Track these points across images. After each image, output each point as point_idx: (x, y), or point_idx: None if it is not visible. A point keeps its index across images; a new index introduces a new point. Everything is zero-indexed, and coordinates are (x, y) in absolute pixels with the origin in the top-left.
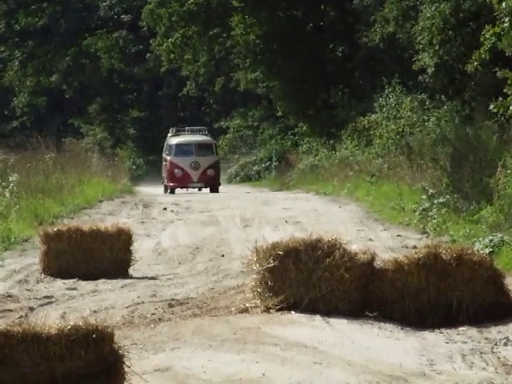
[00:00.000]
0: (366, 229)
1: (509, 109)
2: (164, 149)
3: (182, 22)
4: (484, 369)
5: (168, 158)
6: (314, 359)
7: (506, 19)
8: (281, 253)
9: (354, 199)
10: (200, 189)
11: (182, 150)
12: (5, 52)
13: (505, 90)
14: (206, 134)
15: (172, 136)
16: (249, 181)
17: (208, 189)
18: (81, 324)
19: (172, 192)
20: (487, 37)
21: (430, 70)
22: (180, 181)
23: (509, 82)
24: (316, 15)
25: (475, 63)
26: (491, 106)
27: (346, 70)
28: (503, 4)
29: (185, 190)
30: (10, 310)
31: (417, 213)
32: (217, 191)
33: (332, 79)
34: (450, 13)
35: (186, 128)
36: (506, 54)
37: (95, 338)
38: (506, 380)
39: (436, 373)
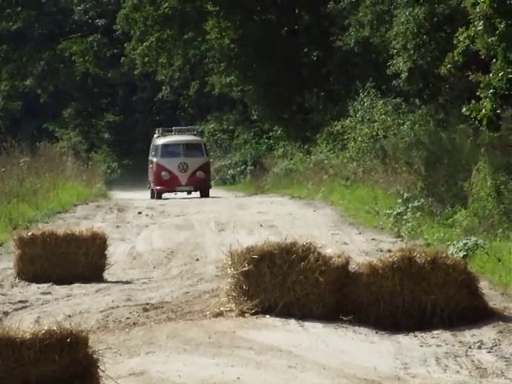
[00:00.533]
0: (341, 233)
1: (483, 112)
2: (150, 150)
3: (156, 25)
4: (458, 372)
5: (154, 159)
6: (289, 363)
7: (480, 22)
8: (255, 257)
9: (329, 203)
10: (189, 192)
11: (168, 150)
12: None
13: (478, 93)
14: (195, 134)
15: (158, 137)
16: (224, 185)
17: (198, 193)
18: (55, 328)
19: (159, 197)
20: (461, 39)
21: (404, 75)
22: (167, 184)
23: (481, 85)
24: (290, 19)
25: (448, 66)
26: (464, 109)
27: (320, 74)
28: (477, 8)
29: (173, 194)
30: None
31: (391, 217)
32: (207, 195)
33: (307, 83)
34: (424, 17)
35: (174, 128)
36: (480, 57)
37: (69, 342)
38: (479, 383)
39: (410, 376)
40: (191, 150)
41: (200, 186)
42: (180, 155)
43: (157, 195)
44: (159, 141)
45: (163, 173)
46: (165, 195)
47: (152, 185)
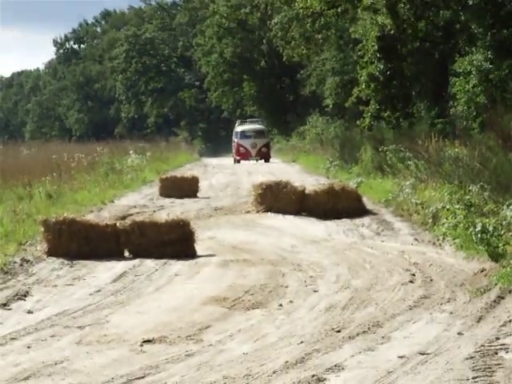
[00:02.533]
0: (302, 176)
1: (365, 124)
2: (233, 134)
3: (221, 84)
4: (352, 237)
5: (235, 140)
6: (278, 233)
7: (363, 84)
8: (264, 186)
9: (297, 163)
10: (257, 160)
11: (244, 134)
12: None
13: (363, 115)
14: (261, 123)
15: (238, 125)
16: None
17: (263, 160)
18: (175, 218)
19: (238, 162)
20: (355, 91)
21: (330, 106)
22: (243, 155)
23: (365, 111)
24: (280, 81)
25: (350, 102)
26: (358, 122)
27: (294, 105)
28: (364, 72)
29: (247, 161)
30: (145, 211)
31: (324, 169)
32: (268, 161)
33: (288, 109)
34: (338, 83)
35: (248, 120)
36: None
37: (182, 224)
38: (362, 241)
39: (332, 238)
40: (258, 134)
41: (264, 156)
42: (251, 137)
43: (237, 162)
44: (238, 128)
45: (241, 148)
46: (242, 162)
47: (234, 155)
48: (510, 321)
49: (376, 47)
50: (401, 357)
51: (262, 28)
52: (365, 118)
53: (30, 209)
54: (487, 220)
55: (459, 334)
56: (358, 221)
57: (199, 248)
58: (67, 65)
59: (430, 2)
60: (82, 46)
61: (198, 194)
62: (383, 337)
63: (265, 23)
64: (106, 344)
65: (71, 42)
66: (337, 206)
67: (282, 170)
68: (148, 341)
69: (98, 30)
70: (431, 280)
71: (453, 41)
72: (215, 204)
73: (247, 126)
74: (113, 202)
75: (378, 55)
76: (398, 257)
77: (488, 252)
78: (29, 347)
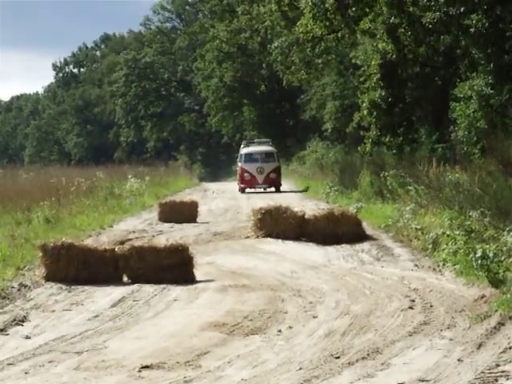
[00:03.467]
0: (302, 201)
1: (366, 150)
2: (238, 157)
3: (220, 110)
4: (352, 263)
5: (239, 164)
6: (277, 258)
7: (365, 111)
8: (263, 211)
9: (297, 188)
10: (265, 189)
11: (250, 157)
12: None
13: (364, 141)
14: (270, 145)
15: (244, 147)
16: None
17: (273, 188)
18: (174, 243)
19: (243, 191)
20: (355, 117)
21: (329, 130)
22: (248, 182)
23: (365, 137)
24: (280, 105)
25: (351, 127)
26: (358, 148)
27: (294, 130)
28: (365, 97)
29: (253, 189)
30: (144, 236)
31: (324, 194)
32: (279, 190)
33: (288, 134)
34: (338, 107)
35: (255, 140)
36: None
37: (181, 248)
38: (361, 266)
39: (331, 264)
40: (266, 157)
41: (273, 183)
42: (258, 161)
43: (242, 190)
44: (244, 150)
45: (246, 174)
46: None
47: (238, 183)
48: (510, 347)
49: (379, 75)
50: (400, 383)
51: (262, 52)
52: (365, 143)
53: (29, 233)
54: (487, 246)
55: (459, 360)
56: (357, 246)
57: (198, 273)
58: (66, 89)
59: (431, 28)
60: (81, 69)
61: (198, 219)
62: (383, 363)
63: (265, 48)
64: (103, 370)
65: (70, 66)
66: (336, 231)
67: (281, 194)
68: (146, 367)
69: (98, 53)
70: (431, 306)
71: (453, 66)
72: (214, 229)
73: (254, 148)
74: (112, 226)
75: (381, 83)
76: (397, 282)
77: (488, 278)
78: (26, 373)
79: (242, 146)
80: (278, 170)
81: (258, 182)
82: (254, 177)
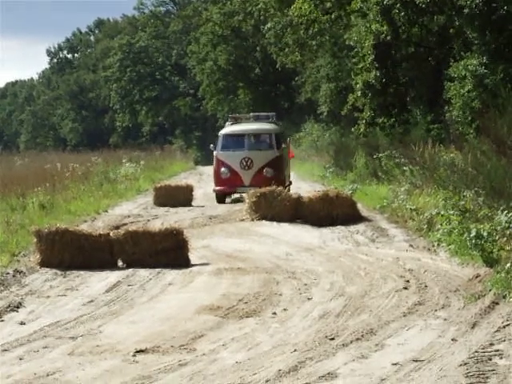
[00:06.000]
0: (297, 183)
1: (360, 131)
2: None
3: (216, 92)
4: (347, 244)
5: (214, 153)
6: (273, 241)
7: (359, 92)
8: (258, 194)
9: (292, 170)
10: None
11: (231, 142)
12: None
13: (358, 122)
14: (273, 122)
15: (229, 125)
16: None
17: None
18: (168, 227)
19: (220, 200)
20: (350, 99)
21: (325, 113)
22: (227, 184)
23: (360, 118)
24: (275, 87)
25: (347, 108)
26: (352, 129)
27: (289, 112)
28: (359, 80)
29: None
30: (139, 220)
31: (320, 176)
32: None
33: (283, 116)
34: (332, 89)
35: (251, 115)
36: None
37: (175, 232)
38: (356, 248)
39: (326, 246)
40: (259, 142)
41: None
42: (244, 147)
43: (218, 199)
44: (223, 130)
45: (222, 169)
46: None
47: (214, 186)
48: (504, 326)
49: (373, 56)
50: (394, 364)
51: (256, 35)
52: (359, 124)
53: (23, 219)
54: (482, 225)
55: (453, 340)
56: (352, 227)
57: (193, 257)
58: (61, 74)
59: (424, 8)
60: (75, 55)
61: (193, 203)
62: (377, 344)
63: (259, 30)
64: (98, 355)
65: (65, 52)
66: (331, 212)
67: None
68: (141, 351)
69: (92, 38)
70: (425, 286)
71: (447, 46)
72: (210, 212)
73: (239, 127)
74: (107, 211)
75: (375, 64)
76: (392, 263)
77: (482, 258)
78: (21, 359)
79: (227, 122)
80: (280, 163)
81: (243, 182)
82: (235, 174)
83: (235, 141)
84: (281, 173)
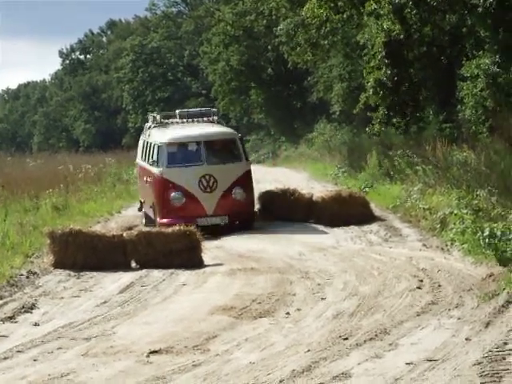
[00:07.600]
0: (310, 183)
1: (374, 130)
2: (140, 152)
3: (228, 93)
4: (360, 244)
5: (154, 171)
6: (285, 241)
7: (371, 90)
8: (271, 194)
9: (305, 170)
10: (223, 224)
11: (179, 153)
12: None
13: (372, 122)
14: (219, 122)
15: (157, 127)
16: (258, 163)
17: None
18: (182, 227)
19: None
20: (362, 98)
21: (337, 112)
22: (181, 215)
23: (374, 117)
24: (288, 88)
25: (358, 108)
26: (367, 128)
27: (302, 113)
28: (371, 77)
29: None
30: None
31: (332, 176)
32: (251, 226)
33: (296, 117)
34: (344, 89)
35: (185, 111)
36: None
37: (188, 233)
38: (369, 247)
39: (340, 246)
40: (220, 152)
41: (239, 213)
42: (201, 161)
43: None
44: (162, 136)
45: (172, 195)
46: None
47: (152, 213)
48: None
49: (384, 53)
50: (408, 363)
51: (268, 35)
52: (374, 124)
53: (37, 221)
54: (495, 225)
55: (467, 339)
56: (365, 227)
57: (206, 257)
58: (73, 75)
59: (436, 7)
60: (87, 56)
61: None
62: (390, 344)
63: (270, 30)
64: (112, 355)
65: (77, 53)
66: (344, 212)
67: (288, 176)
68: (155, 352)
69: (104, 40)
70: (439, 286)
71: (460, 45)
72: None
73: (187, 132)
74: (120, 212)
75: (386, 61)
76: (405, 263)
77: (496, 257)
78: (35, 360)
79: (147, 124)
80: (250, 180)
81: (205, 210)
82: (192, 200)
83: (186, 152)
84: (252, 193)
